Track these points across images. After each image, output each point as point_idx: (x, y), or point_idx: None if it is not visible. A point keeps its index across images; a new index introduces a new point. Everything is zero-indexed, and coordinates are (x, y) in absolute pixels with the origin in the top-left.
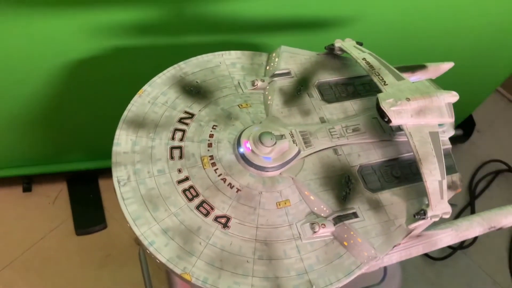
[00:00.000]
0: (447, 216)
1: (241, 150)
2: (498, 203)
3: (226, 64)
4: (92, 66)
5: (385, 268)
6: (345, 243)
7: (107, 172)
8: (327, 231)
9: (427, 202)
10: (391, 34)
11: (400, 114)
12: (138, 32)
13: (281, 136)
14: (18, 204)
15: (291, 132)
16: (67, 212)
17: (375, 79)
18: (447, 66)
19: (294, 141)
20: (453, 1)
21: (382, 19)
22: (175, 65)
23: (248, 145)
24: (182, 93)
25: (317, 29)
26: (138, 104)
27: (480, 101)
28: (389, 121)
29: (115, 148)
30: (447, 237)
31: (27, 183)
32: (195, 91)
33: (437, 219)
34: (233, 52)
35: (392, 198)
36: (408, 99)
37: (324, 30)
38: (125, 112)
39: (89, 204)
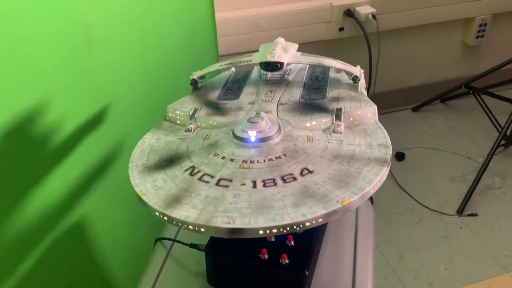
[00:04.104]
0: (362, 71)
1: (253, 140)
2: None
3: (155, 141)
4: None
5: None
6: (356, 123)
7: None
8: (343, 126)
9: (348, 75)
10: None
11: (282, 56)
12: None
13: (257, 114)
14: None
15: (256, 110)
16: None
17: (244, 63)
18: None
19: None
20: None
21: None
22: (129, 165)
23: (251, 133)
24: (163, 171)
25: None
26: (151, 195)
27: None
28: (282, 64)
29: None
30: None
31: None
32: (168, 162)
33: (362, 74)
34: (146, 136)
35: (335, 92)
36: (273, 49)
37: None
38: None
39: None
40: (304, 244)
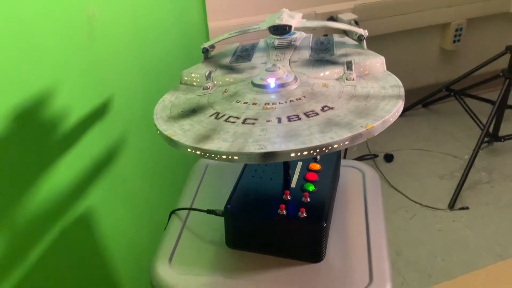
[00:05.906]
0: (366, 31)
1: (272, 86)
2: None
3: (175, 99)
4: None
5: None
6: (366, 72)
7: None
8: (354, 75)
9: (353, 35)
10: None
11: (289, 20)
12: None
13: (273, 65)
14: None
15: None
16: None
17: (253, 30)
18: None
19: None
20: None
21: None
22: (154, 117)
23: (271, 80)
24: (188, 118)
25: None
26: (180, 135)
27: None
28: (290, 27)
29: None
30: None
31: None
32: (191, 112)
33: (367, 34)
34: (164, 96)
35: (342, 50)
36: (281, 15)
37: None
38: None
39: None
40: (319, 200)
